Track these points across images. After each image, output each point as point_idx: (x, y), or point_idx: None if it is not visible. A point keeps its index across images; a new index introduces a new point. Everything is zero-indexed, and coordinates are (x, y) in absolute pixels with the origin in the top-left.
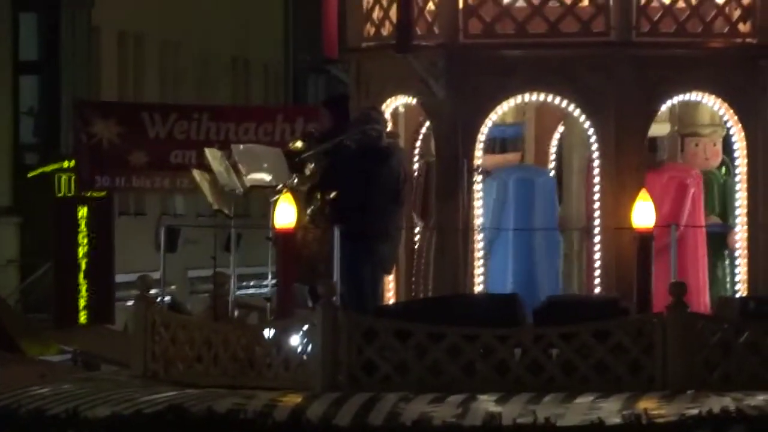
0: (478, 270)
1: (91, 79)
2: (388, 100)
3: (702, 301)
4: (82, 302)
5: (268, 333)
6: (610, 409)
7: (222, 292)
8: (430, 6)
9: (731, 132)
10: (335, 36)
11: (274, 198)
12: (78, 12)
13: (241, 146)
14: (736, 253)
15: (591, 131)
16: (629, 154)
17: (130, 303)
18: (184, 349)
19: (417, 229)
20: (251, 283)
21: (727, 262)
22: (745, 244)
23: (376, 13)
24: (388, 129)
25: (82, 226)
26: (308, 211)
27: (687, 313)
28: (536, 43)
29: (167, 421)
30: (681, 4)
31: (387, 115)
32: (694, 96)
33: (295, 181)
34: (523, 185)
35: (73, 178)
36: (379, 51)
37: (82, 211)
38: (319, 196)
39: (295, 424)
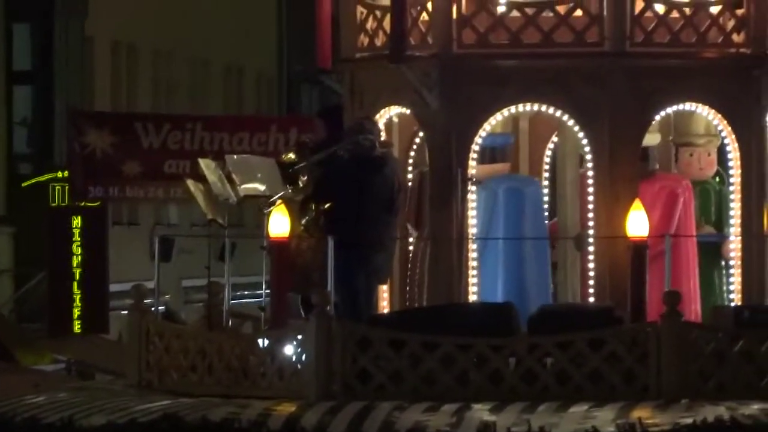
0: (473, 279)
1: (85, 88)
2: (382, 111)
3: (693, 309)
4: (76, 312)
5: (263, 342)
6: (605, 419)
7: (216, 301)
8: (424, 16)
9: (725, 142)
10: (329, 46)
11: (268, 210)
12: (71, 22)
13: (236, 156)
14: (731, 263)
15: (585, 141)
16: (623, 164)
17: (124, 312)
18: (179, 359)
19: (411, 239)
20: (245, 293)
21: (723, 271)
22: (739, 253)
23: (370, 24)
24: (382, 138)
25: (76, 236)
26: (302, 221)
27: (681, 323)
28: (530, 53)
29: (162, 430)
30: (675, 15)
31: (381, 126)
32: (688, 106)
33: (290, 191)
34: (512, 195)
35: (67, 187)
36: (373, 61)
37: (76, 221)
38: (313, 207)
39: None
